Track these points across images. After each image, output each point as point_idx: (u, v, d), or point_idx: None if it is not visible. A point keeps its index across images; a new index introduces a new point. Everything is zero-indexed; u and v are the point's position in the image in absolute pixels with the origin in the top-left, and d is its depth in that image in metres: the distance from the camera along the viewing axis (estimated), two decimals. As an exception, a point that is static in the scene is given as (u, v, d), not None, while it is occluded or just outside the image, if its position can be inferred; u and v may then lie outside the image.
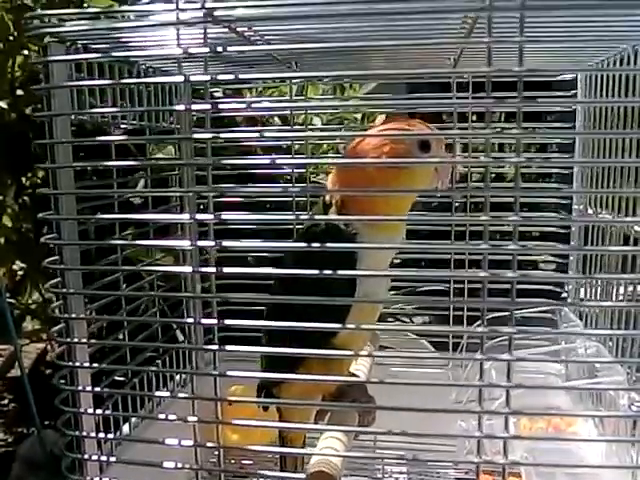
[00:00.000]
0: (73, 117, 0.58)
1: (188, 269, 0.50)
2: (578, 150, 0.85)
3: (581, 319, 0.84)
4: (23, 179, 1.67)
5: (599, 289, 0.79)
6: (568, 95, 0.86)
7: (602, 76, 0.77)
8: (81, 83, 0.58)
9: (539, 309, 0.78)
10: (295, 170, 0.96)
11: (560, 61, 0.75)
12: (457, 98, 0.83)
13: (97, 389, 0.58)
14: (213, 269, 0.50)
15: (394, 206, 0.60)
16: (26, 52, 1.55)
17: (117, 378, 0.72)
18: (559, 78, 0.88)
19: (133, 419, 0.75)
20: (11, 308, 1.52)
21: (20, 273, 1.69)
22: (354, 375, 0.68)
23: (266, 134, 0.86)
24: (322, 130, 1.18)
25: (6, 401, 1.86)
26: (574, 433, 0.72)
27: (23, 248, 1.63)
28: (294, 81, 0.93)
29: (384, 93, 0.92)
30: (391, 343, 0.92)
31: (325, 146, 1.40)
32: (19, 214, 1.68)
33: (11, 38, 1.54)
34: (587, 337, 0.73)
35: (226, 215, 0.49)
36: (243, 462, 0.87)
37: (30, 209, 1.65)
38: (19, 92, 1.58)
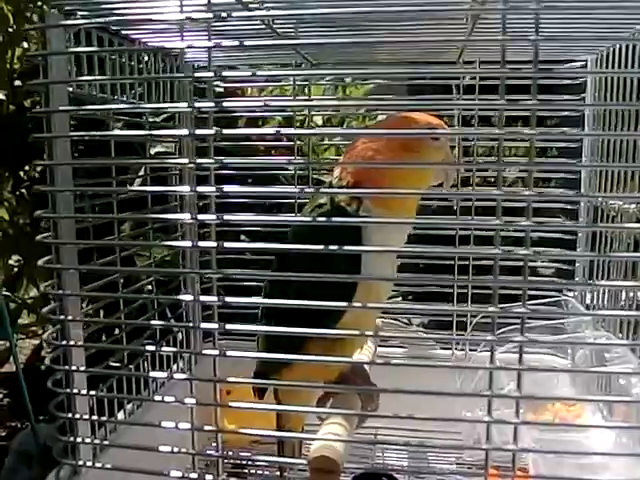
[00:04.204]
0: (70, 89, 0.56)
1: (187, 244, 0.48)
2: (586, 147, 0.83)
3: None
4: (21, 173, 1.66)
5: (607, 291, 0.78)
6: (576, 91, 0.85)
7: (615, 59, 0.75)
8: (78, 50, 0.56)
9: (547, 300, 0.77)
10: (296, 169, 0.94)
11: (574, 43, 0.73)
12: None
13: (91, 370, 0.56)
14: (213, 243, 0.48)
15: (407, 187, 0.59)
16: (25, 44, 1.54)
17: (113, 364, 0.70)
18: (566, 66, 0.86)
19: (129, 406, 0.73)
20: (6, 301, 1.50)
21: (16, 267, 1.67)
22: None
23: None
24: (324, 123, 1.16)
25: (0, 395, 1.83)
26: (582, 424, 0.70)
27: (20, 242, 1.61)
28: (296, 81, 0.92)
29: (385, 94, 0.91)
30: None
31: (326, 141, 1.38)
32: (16, 208, 1.66)
33: (10, 30, 1.53)
34: (596, 327, 0.71)
35: (228, 188, 0.48)
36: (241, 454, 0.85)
37: (27, 202, 1.63)
38: (17, 83, 1.57)
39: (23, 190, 1.65)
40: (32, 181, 1.60)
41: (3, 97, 1.56)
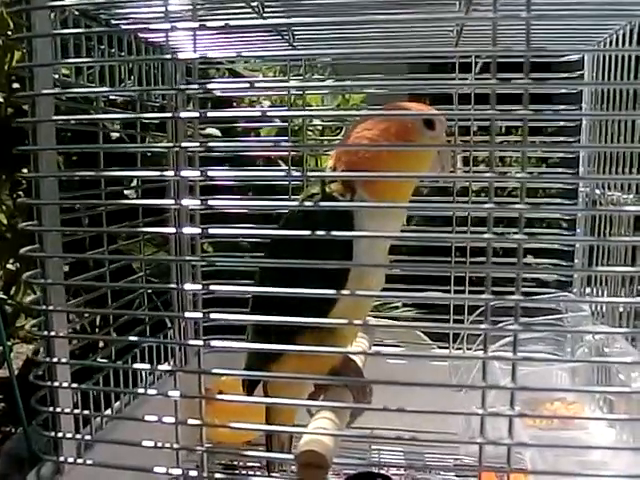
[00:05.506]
0: (56, 75, 0.55)
1: (171, 230, 0.47)
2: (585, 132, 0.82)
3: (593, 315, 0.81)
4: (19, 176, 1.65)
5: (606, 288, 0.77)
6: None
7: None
8: (62, 32, 0.55)
9: (546, 297, 0.75)
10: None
11: (567, 36, 0.72)
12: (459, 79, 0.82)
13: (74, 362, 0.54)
14: (197, 230, 0.46)
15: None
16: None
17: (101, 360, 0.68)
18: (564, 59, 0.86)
19: (117, 404, 0.71)
20: (1, 305, 1.48)
21: (13, 269, 1.65)
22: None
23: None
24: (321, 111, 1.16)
25: (-6, 401, 1.81)
26: (582, 424, 0.68)
27: (18, 246, 1.59)
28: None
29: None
30: (386, 335, 0.89)
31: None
32: (14, 211, 1.65)
33: (9, 33, 1.53)
34: (595, 323, 0.70)
35: (213, 172, 0.46)
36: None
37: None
38: (16, 85, 1.56)
39: (21, 193, 1.63)
40: (29, 184, 1.58)
41: (1, 100, 1.55)
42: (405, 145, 0.57)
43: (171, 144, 0.47)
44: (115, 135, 1.26)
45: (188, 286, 0.48)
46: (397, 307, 1.75)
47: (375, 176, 0.53)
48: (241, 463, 0.90)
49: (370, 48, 0.80)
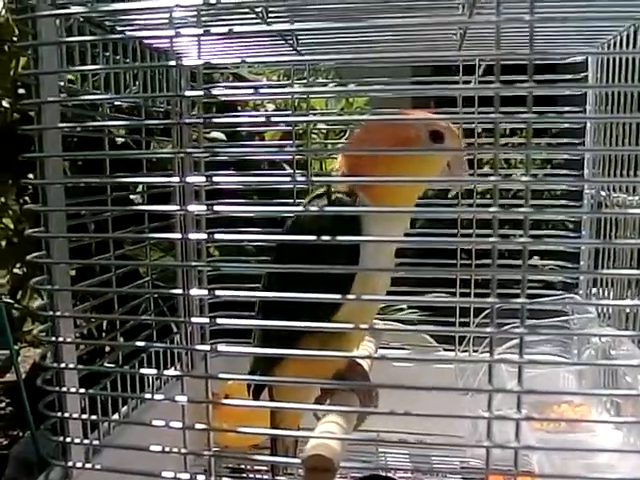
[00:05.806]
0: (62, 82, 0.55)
1: (177, 235, 0.47)
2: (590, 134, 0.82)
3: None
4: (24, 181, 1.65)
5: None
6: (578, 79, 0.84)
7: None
8: (67, 40, 0.55)
9: (552, 298, 0.75)
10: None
11: (570, 39, 0.72)
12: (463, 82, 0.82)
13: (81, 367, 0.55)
14: (203, 235, 0.47)
15: (403, 189, 0.58)
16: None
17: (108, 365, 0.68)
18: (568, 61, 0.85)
19: (124, 408, 0.71)
20: (7, 309, 1.48)
21: (20, 273, 1.66)
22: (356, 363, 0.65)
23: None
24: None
25: (3, 404, 1.83)
26: (589, 426, 0.68)
27: (24, 250, 1.60)
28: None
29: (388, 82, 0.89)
30: (392, 337, 0.89)
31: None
32: (20, 216, 1.65)
33: (15, 39, 1.54)
34: (601, 325, 0.69)
35: (218, 178, 0.47)
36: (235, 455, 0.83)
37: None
38: (21, 91, 1.57)
39: (27, 198, 1.64)
40: (36, 189, 1.59)
41: (7, 105, 1.56)
42: (400, 150, 0.57)
43: (176, 150, 0.48)
44: (120, 140, 1.27)
45: (194, 292, 0.48)
46: (402, 309, 1.75)
47: (375, 181, 0.53)
48: (248, 467, 0.91)
49: (374, 52, 0.81)
